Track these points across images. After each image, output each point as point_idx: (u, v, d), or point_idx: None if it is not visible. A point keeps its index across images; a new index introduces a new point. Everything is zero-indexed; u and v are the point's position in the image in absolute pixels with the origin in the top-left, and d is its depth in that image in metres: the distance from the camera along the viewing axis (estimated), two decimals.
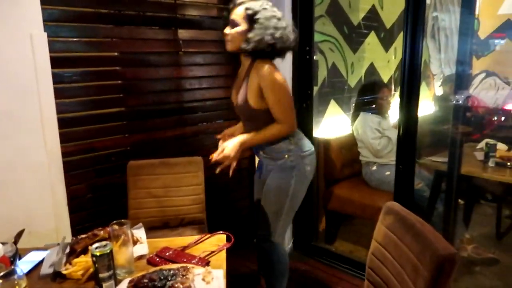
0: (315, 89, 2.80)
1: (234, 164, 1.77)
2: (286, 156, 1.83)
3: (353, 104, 3.11)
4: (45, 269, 1.33)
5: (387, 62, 3.59)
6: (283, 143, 1.83)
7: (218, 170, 1.75)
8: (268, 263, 2.00)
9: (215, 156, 1.74)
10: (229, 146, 1.74)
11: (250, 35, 1.68)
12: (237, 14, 1.71)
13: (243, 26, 1.70)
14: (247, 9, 1.69)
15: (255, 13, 1.68)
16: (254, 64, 1.74)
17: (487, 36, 4.45)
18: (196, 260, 1.36)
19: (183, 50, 2.43)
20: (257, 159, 2.01)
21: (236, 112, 1.90)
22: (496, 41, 4.45)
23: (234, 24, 1.72)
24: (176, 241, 1.56)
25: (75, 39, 2.02)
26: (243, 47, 1.71)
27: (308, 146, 1.89)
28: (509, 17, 4.25)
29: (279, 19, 1.71)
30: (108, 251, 1.18)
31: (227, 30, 1.74)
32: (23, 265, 1.33)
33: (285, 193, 1.85)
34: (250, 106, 1.75)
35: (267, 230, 1.90)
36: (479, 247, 2.65)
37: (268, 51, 1.70)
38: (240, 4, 1.72)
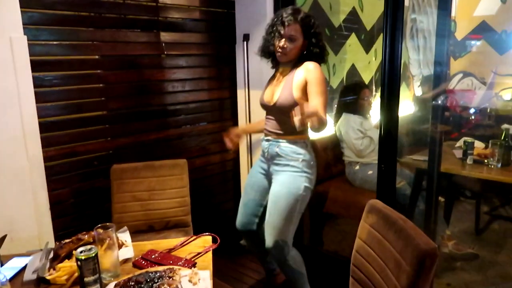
0: None
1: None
2: (300, 159, 1.90)
3: (336, 105, 3.15)
4: (29, 275, 1.31)
5: (368, 63, 3.65)
6: (301, 144, 1.92)
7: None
8: (285, 266, 2.04)
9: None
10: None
11: (314, 49, 1.88)
12: (296, 30, 1.84)
13: (300, 40, 1.86)
14: (304, 25, 1.84)
15: (311, 28, 1.86)
16: (300, 65, 1.88)
17: (463, 37, 4.58)
18: (183, 262, 1.37)
19: (165, 52, 2.43)
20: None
21: (269, 110, 1.98)
22: (473, 42, 4.57)
23: (293, 39, 1.85)
24: (162, 243, 1.55)
25: (55, 42, 2.00)
26: (298, 57, 1.89)
27: (314, 158, 1.99)
28: (484, 19, 4.38)
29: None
30: (93, 254, 1.18)
31: (286, 44, 1.85)
32: (6, 272, 1.31)
33: (295, 198, 1.89)
34: (295, 101, 1.83)
35: (279, 237, 1.93)
36: (459, 243, 2.71)
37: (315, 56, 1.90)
38: (297, 20, 1.83)
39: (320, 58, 1.92)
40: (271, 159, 1.97)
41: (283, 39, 1.84)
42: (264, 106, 2.01)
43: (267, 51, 1.96)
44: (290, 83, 1.87)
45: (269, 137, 1.98)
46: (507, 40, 4.28)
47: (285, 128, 1.91)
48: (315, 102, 1.76)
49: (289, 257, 2.01)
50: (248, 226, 2.15)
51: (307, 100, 1.83)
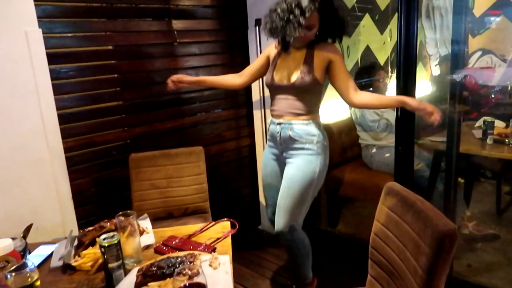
0: None
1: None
2: (315, 140, 1.90)
3: None
4: (55, 262, 1.36)
5: (382, 44, 3.58)
6: (315, 125, 1.93)
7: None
8: (293, 249, 2.05)
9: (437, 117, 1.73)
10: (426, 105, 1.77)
11: (332, 28, 1.89)
12: (315, 18, 1.81)
13: (317, 27, 1.84)
14: (322, 10, 1.80)
15: (329, 9, 1.84)
16: (317, 46, 1.89)
17: (482, 13, 4.43)
18: (202, 247, 1.39)
19: (178, 40, 2.43)
20: (259, 145, 2.01)
21: (284, 90, 1.93)
22: (492, 18, 4.42)
23: (311, 27, 1.82)
24: (181, 229, 1.58)
25: (69, 34, 2.02)
26: (314, 39, 1.88)
27: (327, 139, 1.99)
28: None
29: None
30: (116, 241, 1.21)
31: (305, 33, 1.81)
32: (33, 259, 1.36)
33: (310, 182, 1.90)
34: (316, 80, 1.87)
35: (291, 221, 1.93)
36: (479, 224, 2.68)
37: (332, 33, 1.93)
38: (316, 7, 1.78)
39: (339, 33, 1.93)
40: (284, 143, 1.95)
41: (302, 29, 1.77)
42: (276, 86, 1.95)
43: (280, 35, 1.85)
44: (311, 62, 1.86)
45: (280, 120, 1.94)
46: None
47: (305, 107, 1.90)
48: (351, 82, 1.89)
49: (298, 240, 2.01)
50: None
51: (323, 79, 1.89)
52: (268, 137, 2.07)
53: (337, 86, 1.91)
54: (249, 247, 2.76)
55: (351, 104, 1.95)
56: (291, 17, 1.76)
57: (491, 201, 3.06)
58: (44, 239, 1.56)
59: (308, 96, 1.90)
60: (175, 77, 2.12)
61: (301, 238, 2.03)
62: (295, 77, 1.88)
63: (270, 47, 2.06)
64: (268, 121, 2.08)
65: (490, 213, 3.01)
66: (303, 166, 1.90)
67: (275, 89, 1.97)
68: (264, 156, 2.13)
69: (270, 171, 2.09)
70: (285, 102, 1.93)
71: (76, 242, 1.42)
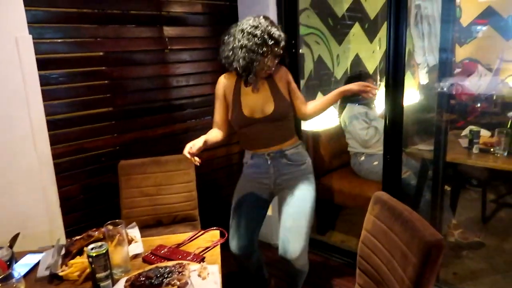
0: (302, 82, 2.83)
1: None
2: (306, 160, 1.94)
3: None
4: (42, 272, 1.35)
5: (372, 52, 3.63)
6: (301, 146, 1.95)
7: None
8: (301, 274, 1.98)
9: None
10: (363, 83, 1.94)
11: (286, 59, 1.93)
12: (283, 47, 1.80)
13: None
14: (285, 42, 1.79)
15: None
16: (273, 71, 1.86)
17: (469, 23, 4.52)
18: (191, 256, 1.39)
19: (169, 47, 2.43)
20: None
21: (260, 123, 1.83)
22: (478, 27, 4.52)
23: (280, 56, 1.81)
24: (170, 238, 1.58)
25: (60, 40, 2.01)
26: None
27: None
28: (490, 4, 4.32)
29: None
30: (104, 251, 1.20)
31: (275, 63, 1.80)
32: (20, 269, 1.35)
33: (315, 199, 1.92)
34: (290, 104, 1.90)
35: (306, 243, 1.88)
36: (465, 232, 2.72)
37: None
38: (283, 39, 1.77)
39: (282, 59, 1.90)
40: (277, 171, 1.88)
41: (274, 58, 1.76)
42: (250, 121, 1.82)
43: (254, 70, 1.74)
44: (277, 89, 1.85)
45: (269, 151, 1.86)
46: None
47: (287, 132, 1.90)
48: (302, 97, 1.96)
49: (306, 263, 1.95)
50: (249, 248, 1.98)
51: (289, 99, 1.90)
52: (249, 170, 1.95)
53: (295, 104, 1.93)
54: None
55: (304, 117, 2.01)
56: (265, 49, 1.70)
57: (477, 209, 3.11)
58: (31, 247, 1.55)
59: (286, 121, 1.88)
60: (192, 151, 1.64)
61: (307, 263, 1.96)
62: (271, 108, 1.82)
63: (221, 87, 1.90)
64: (247, 156, 1.95)
65: (476, 220, 3.06)
66: (307, 185, 1.90)
67: (248, 124, 1.84)
68: (242, 187, 1.99)
69: (248, 199, 1.95)
70: (266, 133, 1.85)
71: (63, 251, 1.41)
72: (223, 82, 1.90)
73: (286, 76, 1.90)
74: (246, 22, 1.75)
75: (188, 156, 1.60)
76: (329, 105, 1.97)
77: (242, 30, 1.74)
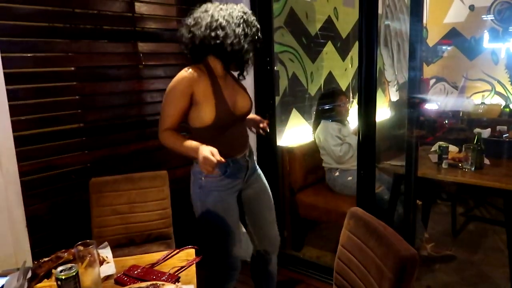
0: (277, 99, 2.86)
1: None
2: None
3: (314, 113, 3.19)
4: None
5: (344, 70, 3.72)
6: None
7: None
8: (272, 275, 2.07)
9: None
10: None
11: None
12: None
13: None
14: None
15: None
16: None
17: (435, 43, 4.74)
18: (166, 276, 1.35)
19: (143, 63, 2.41)
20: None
21: (237, 121, 1.75)
22: (444, 48, 4.74)
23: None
24: (144, 258, 1.53)
25: (29, 55, 1.96)
26: None
27: None
28: (454, 26, 4.55)
29: None
30: (74, 273, 1.16)
31: None
32: None
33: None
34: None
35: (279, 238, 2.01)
36: (437, 245, 2.78)
37: None
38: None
39: None
40: (250, 171, 1.85)
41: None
42: (236, 118, 1.72)
43: (246, 56, 1.67)
44: (240, 83, 1.84)
45: (246, 152, 1.80)
46: (476, 46, 4.45)
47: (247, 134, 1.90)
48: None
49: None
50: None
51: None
52: (224, 182, 1.76)
53: None
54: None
55: None
56: (256, 37, 1.68)
57: (448, 223, 3.19)
58: None
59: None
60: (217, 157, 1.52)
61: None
62: (248, 103, 1.77)
63: (189, 83, 1.63)
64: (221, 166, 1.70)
65: (446, 234, 3.14)
66: (263, 178, 1.97)
67: (232, 123, 1.71)
68: (222, 200, 1.79)
69: (235, 212, 1.85)
70: (243, 132, 1.82)
71: (29, 274, 1.34)
72: (191, 78, 1.62)
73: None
74: (232, 7, 1.63)
75: (218, 158, 1.49)
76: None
77: (237, 17, 1.61)
